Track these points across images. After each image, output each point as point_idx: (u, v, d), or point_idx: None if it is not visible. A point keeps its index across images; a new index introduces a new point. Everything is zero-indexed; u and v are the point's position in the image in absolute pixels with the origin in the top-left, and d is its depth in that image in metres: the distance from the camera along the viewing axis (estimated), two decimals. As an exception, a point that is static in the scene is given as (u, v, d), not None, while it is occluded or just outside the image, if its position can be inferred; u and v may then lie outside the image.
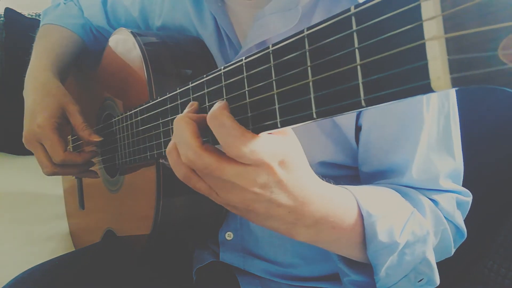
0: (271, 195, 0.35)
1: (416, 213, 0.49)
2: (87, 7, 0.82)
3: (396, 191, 0.52)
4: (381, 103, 0.23)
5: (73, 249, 0.92)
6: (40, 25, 0.82)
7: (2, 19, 1.53)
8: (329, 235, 0.42)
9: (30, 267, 0.63)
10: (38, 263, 0.64)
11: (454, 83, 0.20)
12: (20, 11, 1.54)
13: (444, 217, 0.54)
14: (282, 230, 0.40)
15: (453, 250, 0.56)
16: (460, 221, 0.56)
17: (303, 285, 0.64)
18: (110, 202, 0.73)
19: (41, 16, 0.84)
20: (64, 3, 0.83)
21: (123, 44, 0.65)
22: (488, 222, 0.56)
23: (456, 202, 0.55)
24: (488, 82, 0.19)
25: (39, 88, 0.68)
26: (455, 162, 0.55)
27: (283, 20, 0.53)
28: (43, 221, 1.02)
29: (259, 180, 0.34)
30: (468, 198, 0.57)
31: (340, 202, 0.43)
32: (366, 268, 0.49)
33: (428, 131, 0.52)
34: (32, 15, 1.58)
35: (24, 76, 0.73)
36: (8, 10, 1.52)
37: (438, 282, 0.50)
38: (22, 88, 0.72)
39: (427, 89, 0.21)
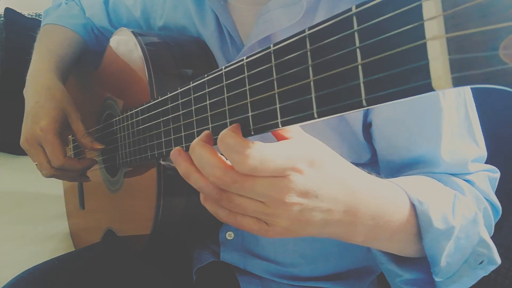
0: (316, 200, 0.33)
1: (459, 195, 0.48)
2: (89, 7, 0.82)
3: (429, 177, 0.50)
4: (382, 102, 0.23)
5: (73, 249, 0.92)
6: (41, 25, 0.83)
7: (2, 19, 1.53)
8: (386, 231, 0.40)
9: (30, 267, 0.64)
10: (38, 263, 0.65)
11: (455, 82, 0.20)
12: (20, 11, 1.54)
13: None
14: (342, 235, 0.37)
15: (493, 229, 0.54)
16: (494, 198, 0.54)
17: (303, 285, 0.64)
18: (110, 202, 0.73)
19: (42, 16, 0.84)
20: (66, 3, 0.84)
21: (125, 44, 0.65)
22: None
23: (488, 179, 0.54)
24: (489, 81, 0.19)
25: (42, 90, 0.69)
26: (479, 148, 0.54)
27: (287, 14, 0.53)
28: (43, 221, 1.02)
29: (295, 187, 0.32)
30: (496, 174, 0.56)
31: (389, 193, 0.41)
32: (419, 264, 0.47)
33: (448, 119, 0.51)
34: (32, 15, 1.58)
35: (25, 76, 0.73)
36: (8, 10, 1.53)
37: (499, 260, 0.48)
38: (23, 89, 0.72)
39: (428, 88, 0.21)
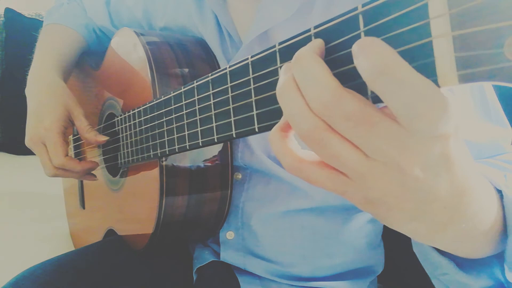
0: (433, 180, 0.24)
1: None
2: (90, 7, 0.82)
3: None
4: None
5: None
6: (44, 24, 0.83)
7: (2, 19, 1.53)
8: (471, 236, 0.31)
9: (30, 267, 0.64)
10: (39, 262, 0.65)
11: (461, 79, 0.20)
12: (20, 11, 1.54)
13: None
14: (423, 235, 0.28)
15: None
16: None
17: (303, 285, 0.65)
18: (111, 201, 0.73)
19: (44, 17, 0.85)
20: (68, 3, 0.84)
21: (127, 44, 0.65)
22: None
23: None
24: (494, 78, 0.19)
25: (44, 89, 0.69)
26: (504, 129, 0.50)
27: (282, 8, 0.54)
28: (43, 221, 1.02)
29: (427, 157, 0.23)
30: None
31: (486, 188, 0.32)
32: (488, 267, 0.38)
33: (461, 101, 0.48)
34: (32, 15, 1.58)
35: (24, 76, 0.74)
36: (8, 10, 1.53)
37: None
38: (23, 88, 0.73)
39: None
